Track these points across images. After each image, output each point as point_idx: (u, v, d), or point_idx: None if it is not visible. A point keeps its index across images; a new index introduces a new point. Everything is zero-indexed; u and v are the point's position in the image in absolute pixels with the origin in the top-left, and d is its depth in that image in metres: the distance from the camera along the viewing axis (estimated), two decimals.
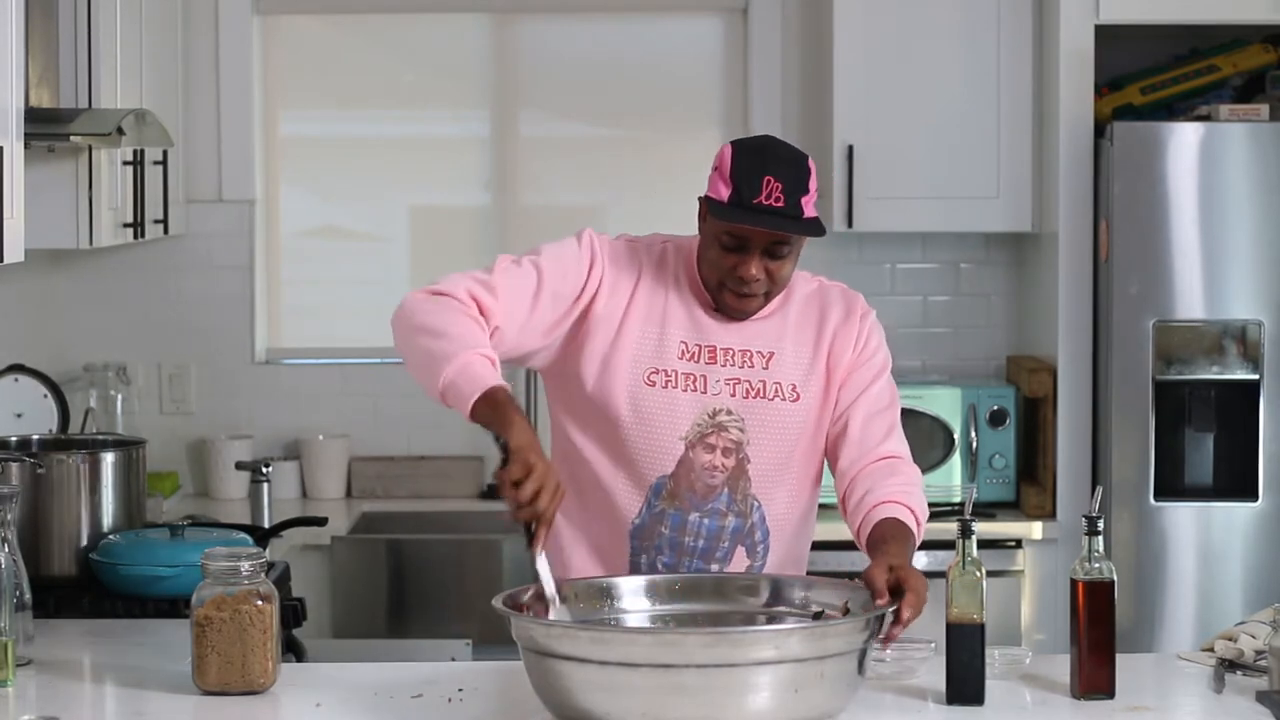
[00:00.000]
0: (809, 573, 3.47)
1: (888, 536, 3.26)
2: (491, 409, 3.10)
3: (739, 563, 3.41)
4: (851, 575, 3.25)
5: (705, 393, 3.33)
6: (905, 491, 3.36)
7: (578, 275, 3.33)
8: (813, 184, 3.25)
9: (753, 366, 3.35)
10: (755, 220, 3.20)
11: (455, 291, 3.25)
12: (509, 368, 3.31)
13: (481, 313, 3.24)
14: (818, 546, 3.59)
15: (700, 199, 3.30)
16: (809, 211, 3.24)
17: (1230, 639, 3.39)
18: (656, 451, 3.34)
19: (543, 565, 3.07)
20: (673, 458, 3.34)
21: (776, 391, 3.36)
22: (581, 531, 3.42)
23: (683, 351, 3.34)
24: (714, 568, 3.38)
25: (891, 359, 3.47)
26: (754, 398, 3.35)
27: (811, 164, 3.27)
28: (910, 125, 5.39)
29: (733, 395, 3.34)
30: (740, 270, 3.26)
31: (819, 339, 3.40)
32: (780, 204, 3.20)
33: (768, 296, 3.32)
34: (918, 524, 3.35)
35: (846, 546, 3.69)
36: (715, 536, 3.37)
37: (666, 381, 3.33)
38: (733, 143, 3.29)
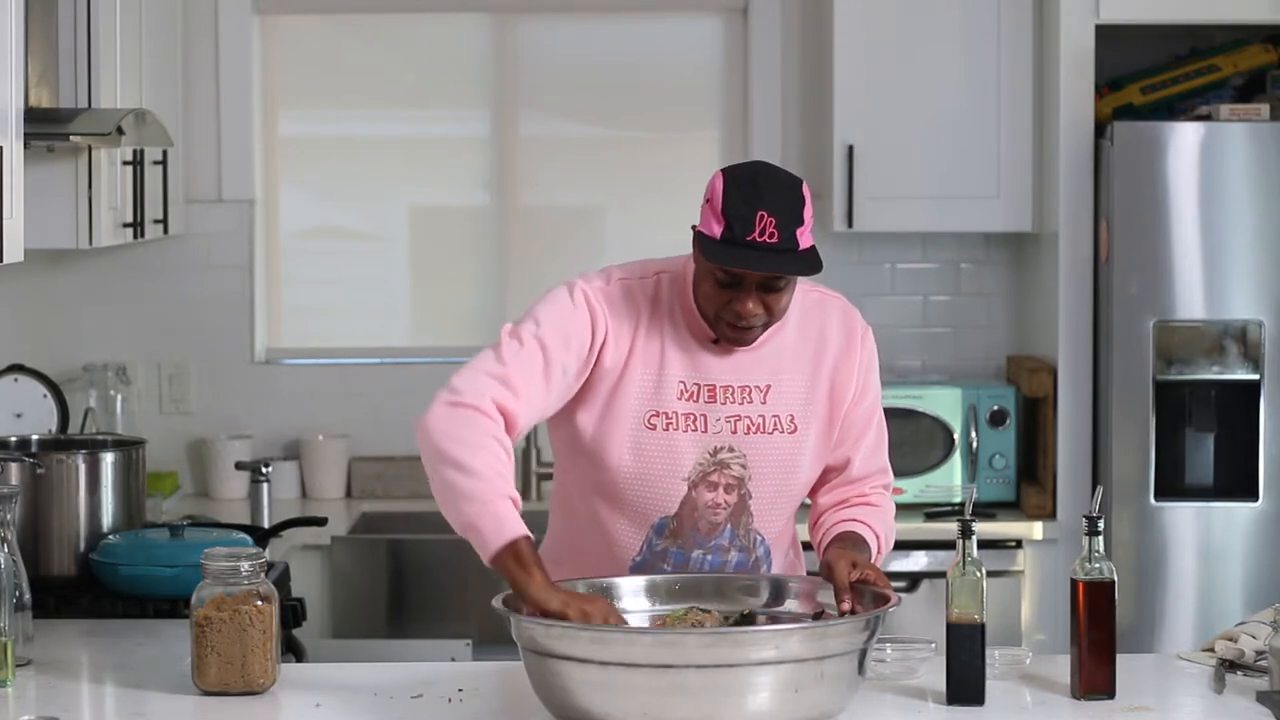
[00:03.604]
0: (810, 573, 3.48)
1: (845, 539, 3.29)
2: (515, 561, 3.08)
3: None
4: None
5: (706, 432, 3.30)
6: (875, 519, 3.37)
7: (581, 341, 3.27)
8: (808, 213, 3.17)
9: (751, 401, 3.32)
10: (750, 262, 3.13)
11: (481, 404, 3.17)
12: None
13: (507, 420, 3.19)
14: (807, 547, 3.59)
15: (693, 229, 3.23)
16: (805, 242, 3.16)
17: (1230, 639, 3.39)
18: (659, 493, 3.31)
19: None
20: (675, 498, 3.31)
21: (775, 425, 3.33)
22: (580, 569, 3.36)
23: (681, 392, 3.30)
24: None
25: (881, 380, 3.46)
26: (754, 433, 3.32)
27: (806, 191, 3.19)
28: (910, 125, 5.38)
29: (733, 432, 3.31)
30: (736, 306, 3.20)
31: (818, 364, 3.36)
32: (775, 240, 3.12)
33: (766, 326, 3.26)
34: (878, 550, 3.36)
35: None
36: (718, 571, 3.35)
37: (667, 424, 3.29)
38: (723, 172, 3.21)
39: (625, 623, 3.08)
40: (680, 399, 3.29)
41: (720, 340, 3.29)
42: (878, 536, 3.35)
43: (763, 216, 3.12)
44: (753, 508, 3.34)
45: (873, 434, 3.43)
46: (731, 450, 3.31)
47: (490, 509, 3.10)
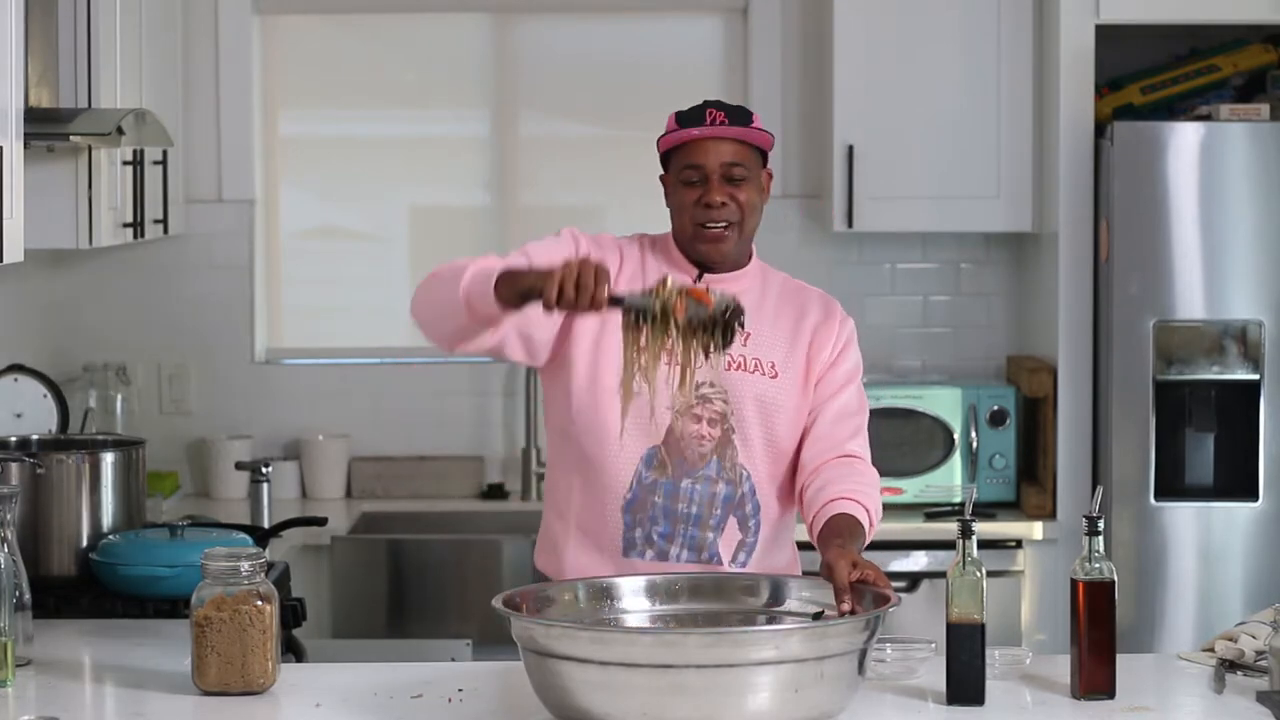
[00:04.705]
0: (807, 573, 3.48)
1: (843, 531, 3.33)
2: (510, 286, 3.18)
3: (732, 535, 3.47)
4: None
5: None
6: (863, 491, 3.43)
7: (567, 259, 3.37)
8: (757, 121, 3.46)
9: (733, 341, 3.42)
10: (703, 129, 3.40)
11: (449, 261, 3.36)
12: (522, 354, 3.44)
13: None
14: (806, 546, 3.60)
15: (660, 164, 3.49)
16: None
17: (1230, 639, 3.40)
18: (645, 422, 3.41)
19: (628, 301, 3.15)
20: (661, 427, 3.43)
21: (756, 366, 3.46)
22: (574, 514, 3.49)
23: None
24: (709, 535, 3.44)
25: (863, 367, 3.58)
26: (734, 369, 3.45)
27: (755, 114, 3.50)
28: (910, 125, 5.39)
29: (713, 367, 3.40)
30: (705, 199, 3.41)
31: (796, 331, 3.51)
32: (725, 124, 3.43)
33: (741, 230, 3.44)
34: (870, 525, 3.42)
35: None
36: (708, 503, 3.44)
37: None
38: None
39: (608, 273, 3.12)
40: None
41: (701, 260, 3.46)
42: (868, 511, 3.40)
43: (712, 111, 3.45)
44: (736, 443, 3.45)
45: (851, 396, 3.53)
46: (713, 385, 3.43)
47: (471, 274, 3.23)
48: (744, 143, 3.44)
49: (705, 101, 3.49)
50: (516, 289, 3.17)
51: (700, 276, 3.47)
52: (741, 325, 3.17)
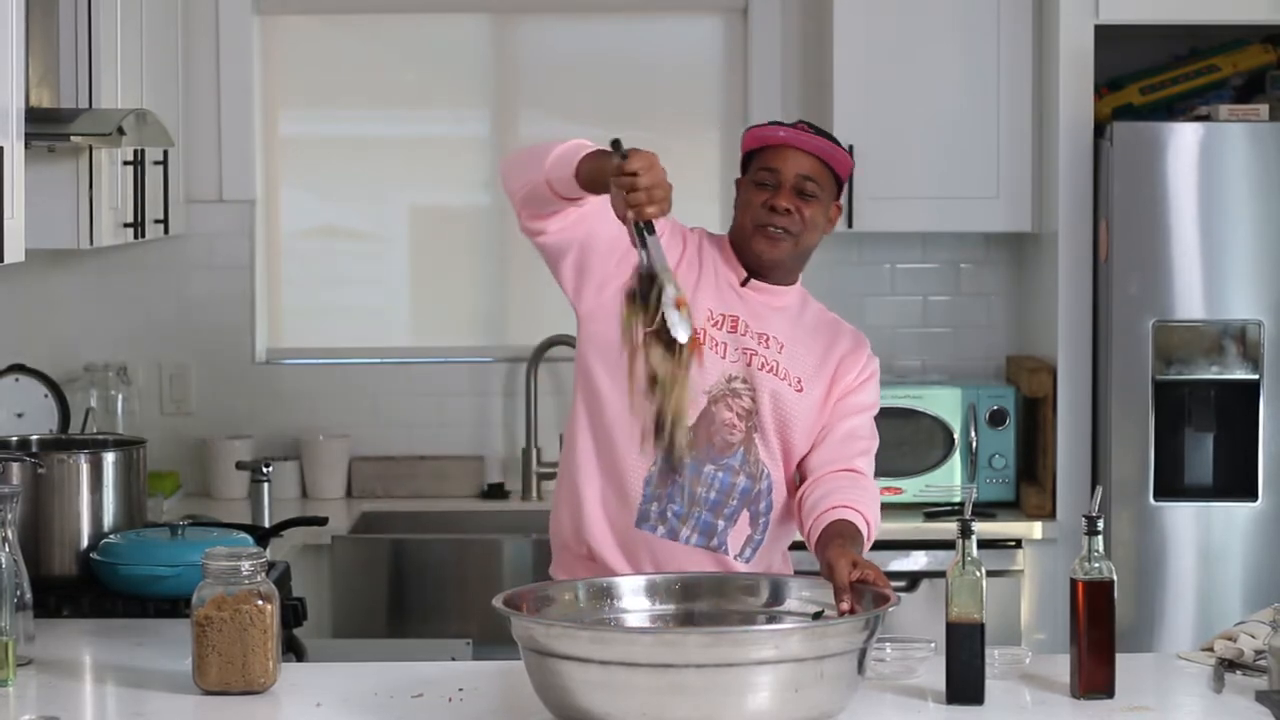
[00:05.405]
0: (806, 573, 3.49)
1: (842, 534, 3.35)
2: (594, 158, 3.22)
3: (742, 529, 3.51)
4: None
5: (725, 358, 3.50)
6: (863, 502, 3.47)
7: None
8: (844, 148, 3.57)
9: (768, 347, 3.52)
10: (789, 132, 3.52)
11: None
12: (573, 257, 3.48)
13: None
14: (797, 546, 3.62)
15: (740, 169, 3.59)
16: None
17: (1230, 639, 3.40)
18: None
19: (654, 244, 3.13)
20: (695, 409, 3.44)
21: (785, 375, 3.51)
22: (597, 478, 3.53)
23: (709, 316, 3.50)
24: (720, 524, 3.49)
25: (879, 407, 3.64)
26: (765, 371, 3.51)
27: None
28: (910, 125, 5.39)
29: (748, 365, 3.50)
30: (773, 201, 3.50)
31: (826, 357, 3.57)
32: (809, 134, 3.55)
33: (797, 244, 3.50)
34: (868, 536, 3.44)
35: None
36: (726, 492, 3.49)
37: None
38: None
39: (669, 209, 3.15)
40: (707, 321, 3.49)
41: (754, 258, 3.52)
42: (868, 523, 3.43)
43: (802, 124, 3.59)
44: (758, 441, 3.50)
45: (864, 421, 3.58)
46: (744, 382, 3.51)
47: (573, 143, 3.28)
48: (823, 163, 3.53)
49: (799, 119, 3.64)
50: (598, 159, 3.20)
51: (747, 281, 3.54)
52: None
